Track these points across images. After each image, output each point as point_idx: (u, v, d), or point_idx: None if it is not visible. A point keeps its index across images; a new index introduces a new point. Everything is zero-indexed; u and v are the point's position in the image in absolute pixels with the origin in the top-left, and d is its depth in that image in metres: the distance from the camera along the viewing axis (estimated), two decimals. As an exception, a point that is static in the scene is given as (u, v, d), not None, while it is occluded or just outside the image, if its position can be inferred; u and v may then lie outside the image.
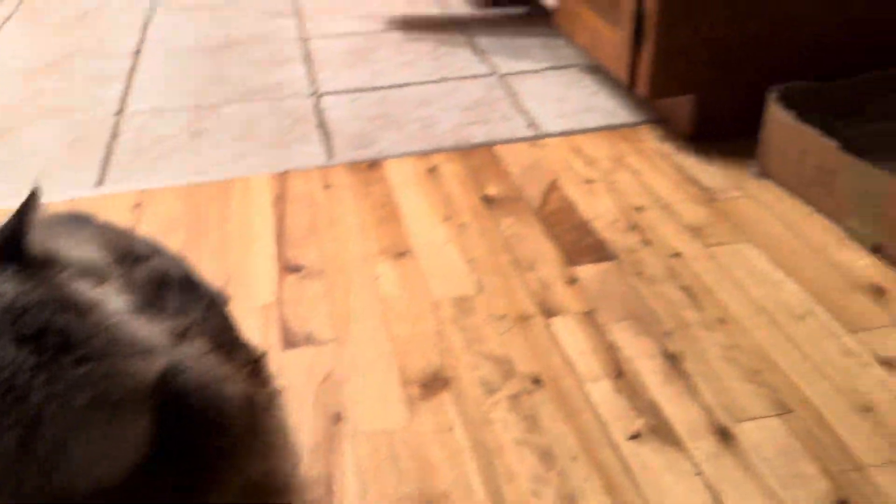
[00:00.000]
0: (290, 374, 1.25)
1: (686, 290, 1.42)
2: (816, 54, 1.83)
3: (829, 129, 1.75)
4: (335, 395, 1.22)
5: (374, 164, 1.85)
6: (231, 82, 2.31)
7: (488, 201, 1.70)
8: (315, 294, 1.43)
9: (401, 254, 1.53)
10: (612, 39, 1.92)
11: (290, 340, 1.33)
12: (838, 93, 1.78)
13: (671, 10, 1.73)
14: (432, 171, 1.82)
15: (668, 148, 1.90)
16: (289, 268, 1.51)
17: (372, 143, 1.94)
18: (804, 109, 1.69)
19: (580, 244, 1.55)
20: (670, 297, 1.40)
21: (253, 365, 0.75)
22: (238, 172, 1.84)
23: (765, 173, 1.76)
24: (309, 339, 1.33)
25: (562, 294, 1.41)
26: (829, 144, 1.54)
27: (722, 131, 1.90)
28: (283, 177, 1.81)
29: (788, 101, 1.68)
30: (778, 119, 1.68)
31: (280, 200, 1.72)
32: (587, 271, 1.48)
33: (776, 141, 1.71)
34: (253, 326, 1.35)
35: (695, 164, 1.82)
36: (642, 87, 1.85)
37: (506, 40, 2.58)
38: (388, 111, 2.10)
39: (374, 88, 2.23)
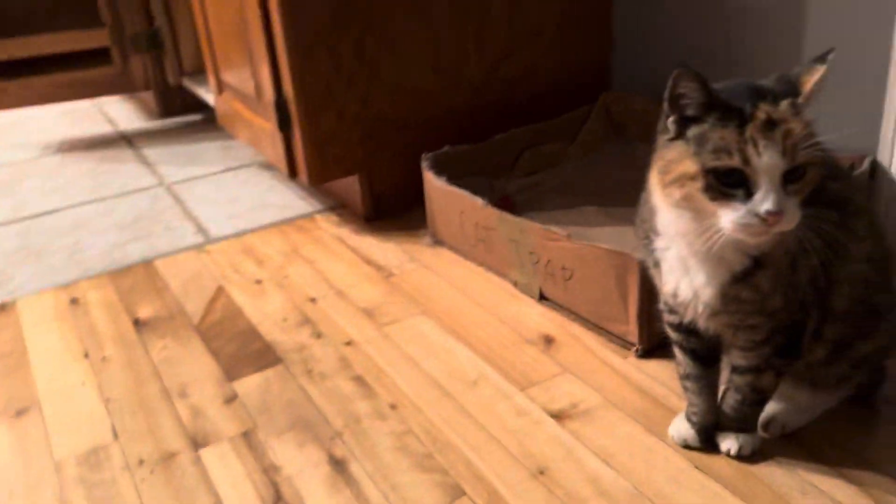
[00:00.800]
0: None
1: (358, 379, 1.30)
2: (464, 120, 1.86)
3: (486, 188, 1.76)
4: None
5: (2, 308, 1.57)
6: None
7: (140, 325, 1.49)
8: None
9: (20, 411, 1.27)
10: (267, 131, 1.83)
11: None
12: (487, 153, 1.80)
13: (309, 96, 1.66)
14: (75, 302, 1.58)
15: (345, 232, 1.81)
16: None
17: (4, 283, 1.66)
18: (459, 172, 1.69)
19: (243, 353, 1.39)
20: (341, 391, 1.27)
21: None
22: None
23: (438, 241, 1.72)
24: None
25: (217, 418, 1.23)
26: (478, 202, 1.52)
27: (395, 207, 1.86)
28: None
29: (440, 167, 1.66)
30: (434, 185, 1.65)
31: None
32: (249, 383, 1.31)
33: (437, 206, 1.67)
34: None
35: (372, 244, 1.74)
36: (303, 175, 1.76)
37: (178, 148, 2.42)
38: (30, 243, 1.83)
39: (15, 221, 1.95)
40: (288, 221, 1.88)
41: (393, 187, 1.84)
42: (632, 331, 1.30)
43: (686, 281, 0.94)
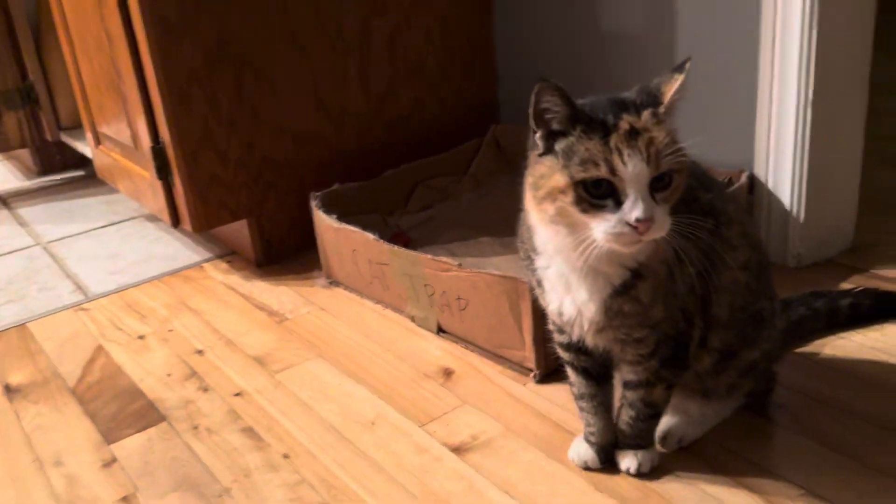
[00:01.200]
0: None
1: (248, 431, 1.22)
2: (354, 158, 1.83)
3: (380, 225, 1.73)
4: None
5: None
6: None
7: (11, 392, 1.38)
8: None
9: None
10: (147, 180, 1.75)
11: None
12: (379, 190, 1.78)
13: (187, 140, 1.60)
14: (-65, 374, 1.45)
15: (235, 279, 1.74)
16: None
17: None
18: (350, 210, 1.65)
19: (123, 413, 1.30)
20: (230, 444, 1.19)
21: None
22: None
23: (333, 281, 1.67)
24: None
25: (94, 485, 1.13)
26: (370, 237, 1.49)
27: (288, 250, 1.80)
28: None
29: (330, 205, 1.63)
30: (324, 223, 1.60)
31: None
32: (129, 445, 1.22)
33: (329, 246, 1.63)
34: None
35: (264, 290, 1.68)
36: (186, 223, 1.69)
37: (58, 206, 2.30)
38: None
39: None
40: (174, 273, 1.79)
41: (284, 230, 1.78)
42: (529, 356, 1.28)
43: (569, 298, 0.93)
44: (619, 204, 0.81)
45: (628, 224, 0.80)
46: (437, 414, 1.22)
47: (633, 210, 0.80)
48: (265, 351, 1.45)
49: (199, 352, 1.47)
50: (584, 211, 0.82)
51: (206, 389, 1.35)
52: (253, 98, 1.66)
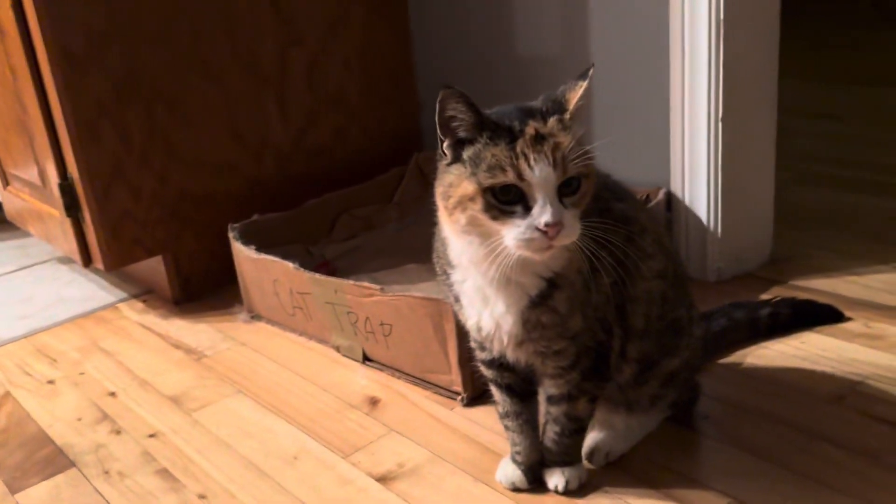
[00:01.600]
0: None
1: (163, 473, 1.16)
2: (275, 190, 1.79)
3: (304, 255, 1.70)
4: None
5: None
6: None
7: None
8: None
9: None
10: (56, 219, 1.68)
11: None
12: (301, 220, 1.74)
13: (96, 176, 1.54)
14: None
15: (151, 318, 1.67)
16: None
17: None
18: (271, 241, 1.61)
19: (30, 461, 1.22)
20: (143, 487, 1.13)
21: None
22: None
23: (254, 315, 1.62)
24: None
25: (-8, 538, 1.06)
26: (290, 266, 1.45)
27: (207, 285, 1.74)
28: None
29: (249, 237, 1.58)
30: (243, 255, 1.56)
31: None
32: (36, 494, 1.14)
33: (249, 278, 1.58)
34: None
35: (182, 327, 1.62)
36: (98, 261, 1.62)
37: (-36, 252, 2.19)
38: None
39: None
40: (88, 314, 1.72)
41: (203, 266, 1.73)
42: (455, 380, 1.26)
43: (487, 312, 0.91)
44: (528, 209, 0.80)
45: (538, 229, 0.79)
46: (362, 444, 1.18)
47: (542, 214, 0.79)
48: (182, 390, 1.39)
49: (112, 394, 1.40)
50: (495, 218, 0.81)
51: (118, 432, 1.28)
52: (166, 131, 1.62)
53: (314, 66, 1.81)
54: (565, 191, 0.81)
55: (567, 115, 0.84)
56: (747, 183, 1.55)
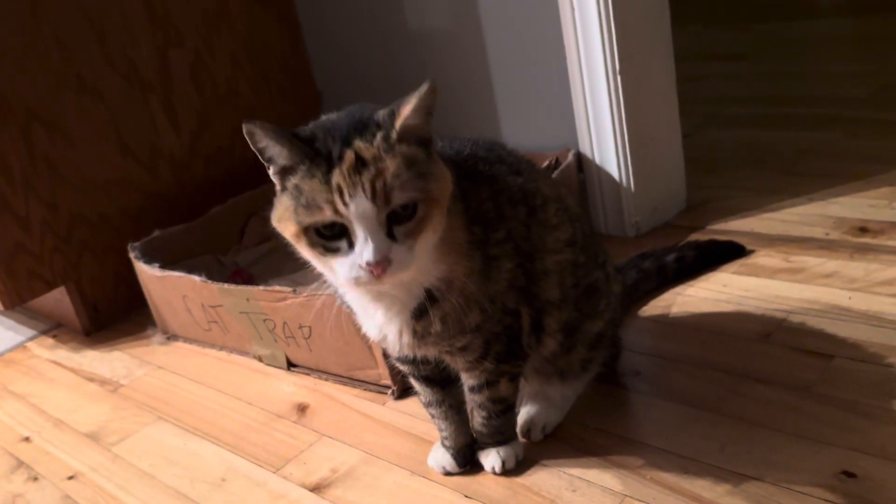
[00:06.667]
0: None
1: (83, 517, 1.09)
2: (175, 202, 1.70)
3: (215, 266, 1.63)
4: None
5: None
6: None
7: None
8: None
9: None
10: (-58, 261, 1.56)
11: None
12: (207, 229, 1.66)
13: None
14: None
15: (62, 354, 1.58)
16: None
17: None
18: (178, 256, 1.54)
19: (-64, 528, 1.13)
20: (64, 537, 1.06)
21: None
22: None
23: (170, 336, 1.54)
24: None
25: None
26: (196, 280, 1.38)
27: (117, 311, 1.65)
28: None
29: (153, 254, 1.50)
30: (147, 275, 1.48)
31: None
32: (-57, 562, 1.06)
33: (158, 297, 1.51)
34: None
35: (94, 359, 1.53)
36: (-5, 300, 1.52)
37: None
38: None
39: None
40: (-7, 359, 1.61)
41: (109, 291, 1.64)
42: (383, 373, 1.21)
43: (371, 323, 0.87)
44: (352, 245, 0.74)
45: (362, 267, 0.73)
46: (293, 455, 1.13)
47: (363, 252, 0.72)
48: (99, 425, 1.31)
49: (26, 439, 1.31)
50: (322, 255, 0.75)
51: (35, 479, 1.20)
52: (48, 153, 1.52)
53: (198, 66, 1.72)
54: (398, 218, 0.74)
55: (394, 135, 0.74)
56: (654, 133, 1.54)
